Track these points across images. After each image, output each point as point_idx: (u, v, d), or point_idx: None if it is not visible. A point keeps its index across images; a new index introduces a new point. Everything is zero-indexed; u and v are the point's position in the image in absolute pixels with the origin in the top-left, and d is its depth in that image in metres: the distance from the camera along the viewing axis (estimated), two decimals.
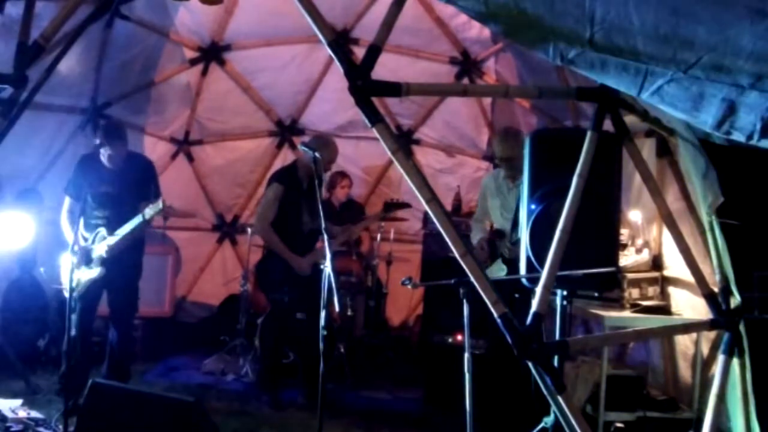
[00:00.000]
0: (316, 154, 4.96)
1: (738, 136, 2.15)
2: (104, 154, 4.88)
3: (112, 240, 4.77)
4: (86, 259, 4.86)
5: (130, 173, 4.98)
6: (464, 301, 3.50)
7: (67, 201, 5.07)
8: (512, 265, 4.68)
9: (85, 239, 4.93)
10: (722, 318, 3.07)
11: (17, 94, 3.10)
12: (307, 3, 2.71)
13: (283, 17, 6.24)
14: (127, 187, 4.94)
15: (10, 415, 4.41)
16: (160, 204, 4.59)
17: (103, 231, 4.86)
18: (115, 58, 5.93)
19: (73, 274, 4.56)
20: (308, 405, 5.26)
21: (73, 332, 4.80)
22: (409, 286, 3.96)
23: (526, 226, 3.18)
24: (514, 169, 4.85)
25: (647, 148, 4.44)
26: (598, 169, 2.89)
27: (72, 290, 4.64)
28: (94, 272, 4.81)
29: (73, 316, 4.80)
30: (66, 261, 4.94)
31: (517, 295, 3.99)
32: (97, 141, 4.91)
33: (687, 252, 3.11)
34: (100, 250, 4.82)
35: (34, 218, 5.52)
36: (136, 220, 4.69)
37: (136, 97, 6.45)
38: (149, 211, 4.62)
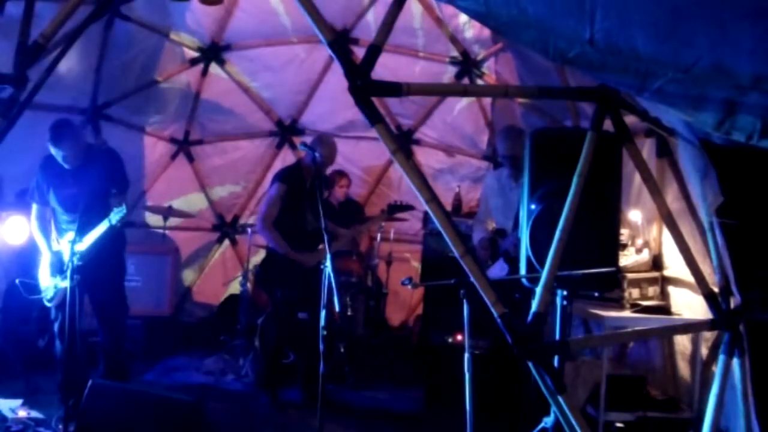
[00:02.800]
0: (316, 154, 4.97)
1: (738, 136, 2.16)
2: (58, 156, 4.62)
3: (81, 247, 4.50)
4: (59, 267, 4.68)
5: (92, 169, 4.69)
6: (464, 301, 3.50)
7: (34, 208, 4.87)
8: (514, 264, 4.68)
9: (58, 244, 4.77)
10: (722, 318, 3.07)
11: (17, 94, 3.10)
12: (307, 3, 2.71)
13: (283, 17, 6.25)
14: (92, 184, 4.63)
15: (10, 415, 4.41)
16: (124, 209, 4.41)
17: (71, 236, 4.54)
18: (115, 58, 5.93)
19: (48, 284, 4.51)
20: (308, 405, 5.26)
21: (58, 343, 4.75)
22: (409, 286, 3.96)
23: (526, 226, 3.18)
24: (518, 168, 4.85)
25: (647, 148, 4.44)
26: (598, 169, 2.89)
27: (51, 300, 4.64)
28: (68, 282, 4.49)
29: (56, 325, 4.75)
30: (42, 268, 4.83)
31: (517, 295, 3.99)
32: (48, 144, 4.61)
33: (687, 252, 3.11)
34: (70, 257, 4.55)
35: None
36: (103, 226, 4.49)
37: (136, 97, 6.44)
38: (114, 217, 4.43)
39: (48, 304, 4.81)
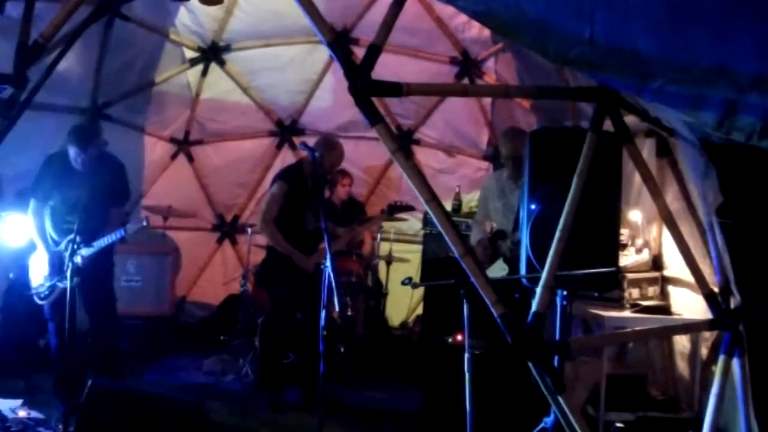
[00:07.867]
0: (316, 154, 4.96)
1: (738, 136, 2.15)
2: (76, 159, 4.65)
3: (88, 251, 4.58)
4: (59, 266, 4.69)
5: (100, 176, 4.74)
6: (464, 301, 3.50)
7: (32, 204, 4.89)
8: (513, 265, 4.68)
9: (57, 243, 4.79)
10: (722, 318, 3.07)
11: (17, 94, 3.10)
12: (307, 3, 2.72)
13: (283, 17, 6.25)
14: (99, 191, 4.70)
15: (10, 415, 4.40)
16: (143, 222, 4.56)
17: (71, 236, 4.53)
18: (115, 58, 5.93)
19: (45, 282, 4.53)
20: (308, 405, 5.26)
21: (54, 341, 4.79)
22: (409, 286, 3.96)
23: (526, 226, 3.19)
24: (519, 169, 4.84)
25: (647, 148, 4.44)
26: (598, 169, 2.89)
27: (45, 298, 4.64)
28: (68, 282, 4.49)
29: (52, 325, 4.79)
30: (35, 265, 4.86)
31: (517, 295, 3.99)
32: (69, 147, 4.68)
33: (687, 252, 3.12)
34: (73, 259, 4.57)
35: None
36: (115, 235, 4.57)
37: (136, 97, 6.45)
38: (131, 227, 4.56)
39: (40, 302, 4.81)
